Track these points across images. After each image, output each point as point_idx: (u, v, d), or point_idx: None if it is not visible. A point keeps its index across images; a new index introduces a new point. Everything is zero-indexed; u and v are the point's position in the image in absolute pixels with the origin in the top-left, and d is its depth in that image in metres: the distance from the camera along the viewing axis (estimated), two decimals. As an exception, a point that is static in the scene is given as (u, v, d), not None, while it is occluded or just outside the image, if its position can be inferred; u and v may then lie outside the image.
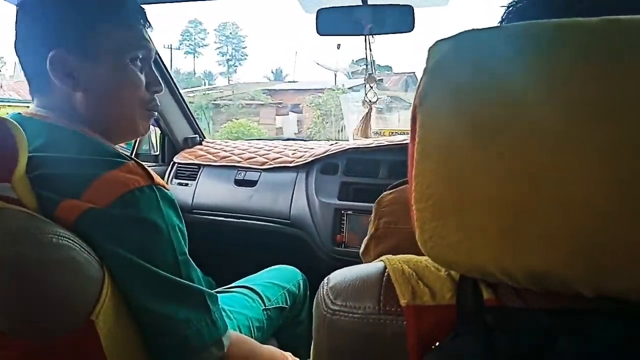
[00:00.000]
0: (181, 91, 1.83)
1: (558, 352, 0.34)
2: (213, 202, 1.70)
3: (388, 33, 1.32)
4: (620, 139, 0.29)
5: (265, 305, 1.13)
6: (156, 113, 0.85)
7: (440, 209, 0.36)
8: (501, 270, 0.34)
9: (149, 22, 0.81)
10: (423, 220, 0.37)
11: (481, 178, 0.33)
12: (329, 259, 1.48)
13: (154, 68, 0.82)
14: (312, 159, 1.62)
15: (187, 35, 37.25)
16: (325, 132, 16.08)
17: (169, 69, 1.76)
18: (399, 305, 0.40)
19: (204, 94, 19.29)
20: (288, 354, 0.93)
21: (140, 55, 0.78)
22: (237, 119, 15.09)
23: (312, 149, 1.71)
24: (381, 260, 0.45)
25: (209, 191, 1.73)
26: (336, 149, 1.60)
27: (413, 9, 1.22)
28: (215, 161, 1.78)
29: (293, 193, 1.60)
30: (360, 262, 0.48)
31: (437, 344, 0.38)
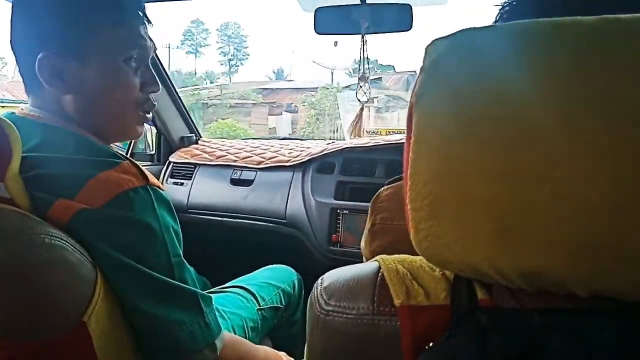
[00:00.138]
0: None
1: (552, 353, 0.33)
2: (209, 201, 1.70)
3: (386, 32, 1.32)
4: (617, 139, 0.29)
5: (259, 305, 1.13)
6: (151, 114, 0.83)
7: (435, 208, 0.36)
8: (496, 270, 0.34)
9: (148, 19, 0.78)
10: (418, 220, 0.37)
11: (476, 177, 0.33)
12: (324, 259, 1.48)
13: (151, 67, 0.80)
14: (309, 158, 1.62)
15: (189, 35, 37.25)
16: (319, 132, 15.84)
17: (166, 68, 1.75)
18: (393, 306, 0.40)
19: (192, 94, 19.01)
20: (282, 354, 0.93)
21: (135, 54, 0.75)
22: (223, 119, 14.68)
23: (308, 148, 1.71)
24: (375, 260, 0.45)
25: (205, 191, 1.72)
26: (332, 148, 1.60)
27: (411, 8, 1.22)
28: (211, 160, 1.77)
29: (289, 192, 1.59)
30: (356, 262, 0.47)
31: (431, 344, 0.37)
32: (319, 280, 0.46)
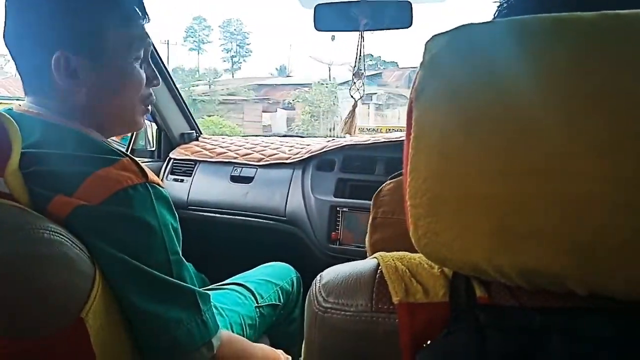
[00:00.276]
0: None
1: (550, 351, 0.33)
2: (209, 198, 1.70)
3: (386, 29, 1.32)
4: (617, 136, 0.29)
5: (258, 303, 1.13)
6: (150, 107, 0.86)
7: (435, 204, 0.35)
8: (494, 268, 0.34)
9: (148, 16, 0.80)
10: (417, 217, 0.37)
11: (476, 174, 0.33)
12: (324, 257, 1.48)
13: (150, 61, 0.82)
14: (309, 155, 1.61)
15: (191, 32, 37.13)
16: (313, 130, 15.44)
17: (165, 64, 1.75)
18: (392, 303, 0.39)
19: (182, 89, 18.51)
20: (280, 352, 0.93)
21: (142, 53, 0.78)
22: (209, 116, 14.21)
23: (308, 145, 1.71)
24: (374, 258, 0.44)
25: (205, 187, 1.72)
26: (333, 146, 1.60)
27: (411, 5, 1.22)
28: (211, 157, 1.77)
29: (289, 190, 1.59)
30: (355, 260, 0.47)
31: (430, 341, 0.37)
32: (318, 277, 0.46)
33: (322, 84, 17.53)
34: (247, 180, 1.67)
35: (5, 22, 0.72)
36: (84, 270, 0.60)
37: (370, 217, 0.66)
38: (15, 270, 0.55)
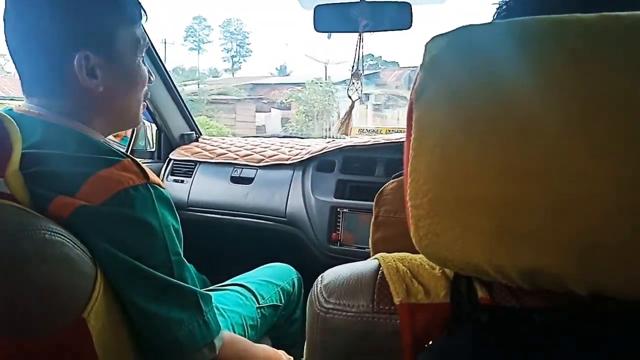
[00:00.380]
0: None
1: (551, 352, 0.33)
2: (209, 199, 1.70)
3: (386, 30, 1.32)
4: (616, 137, 0.29)
5: (259, 304, 1.13)
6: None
7: (435, 205, 0.35)
8: (495, 268, 0.34)
9: (146, 14, 0.83)
10: (418, 218, 0.37)
11: (476, 175, 0.33)
12: (324, 257, 1.48)
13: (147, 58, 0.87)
14: (309, 156, 1.61)
15: (192, 32, 37.09)
16: (308, 131, 15.02)
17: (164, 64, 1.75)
18: (393, 304, 0.40)
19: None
20: (282, 353, 0.93)
21: (145, 50, 0.82)
22: (197, 116, 13.68)
23: (308, 146, 1.71)
24: (375, 258, 0.45)
25: (205, 188, 1.72)
26: (333, 147, 1.60)
27: (411, 6, 1.22)
28: (211, 158, 1.77)
29: (289, 191, 1.59)
30: (356, 260, 0.47)
31: (431, 342, 0.37)
32: (319, 278, 0.46)
33: (317, 83, 17.12)
34: (248, 181, 1.67)
35: (7, 25, 0.72)
36: (85, 271, 0.60)
37: (373, 216, 0.67)
38: (16, 270, 0.56)
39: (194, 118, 1.94)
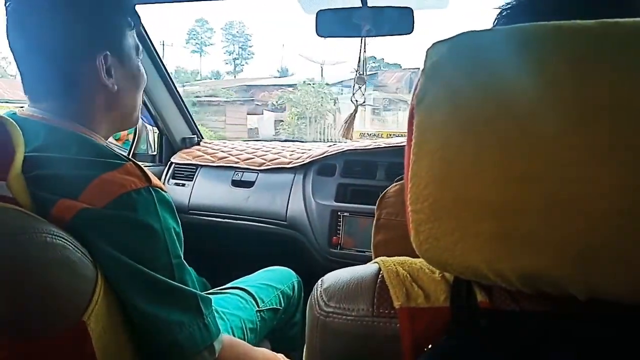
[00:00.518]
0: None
1: (550, 356, 0.33)
2: (210, 202, 1.70)
3: (388, 35, 1.32)
4: (616, 142, 0.29)
5: (259, 307, 1.13)
6: None
7: (436, 210, 0.36)
8: (495, 272, 0.34)
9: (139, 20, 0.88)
10: (418, 222, 0.37)
11: (477, 179, 0.33)
12: (324, 261, 1.48)
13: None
14: (310, 160, 1.62)
15: (194, 34, 37.13)
16: (300, 134, 14.57)
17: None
18: (393, 308, 0.40)
19: None
20: (281, 356, 0.93)
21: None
22: None
23: (309, 150, 1.71)
24: (375, 262, 0.45)
25: (206, 192, 1.72)
26: (333, 151, 1.60)
27: (412, 11, 1.22)
28: (212, 162, 1.77)
29: (290, 194, 1.59)
30: (356, 265, 0.47)
31: (431, 345, 0.37)
32: (319, 282, 0.46)
33: (309, 84, 16.48)
34: (248, 184, 1.67)
35: (12, 32, 0.73)
36: (86, 274, 0.61)
37: (375, 218, 0.67)
38: (17, 273, 0.56)
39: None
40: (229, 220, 1.65)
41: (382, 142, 1.60)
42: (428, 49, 0.37)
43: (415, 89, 0.37)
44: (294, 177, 1.62)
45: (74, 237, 0.61)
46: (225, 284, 1.22)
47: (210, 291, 1.18)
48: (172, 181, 1.80)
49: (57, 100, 0.74)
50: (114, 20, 0.78)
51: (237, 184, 1.69)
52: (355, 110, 1.51)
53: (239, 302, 1.11)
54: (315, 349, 0.44)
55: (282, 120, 15.84)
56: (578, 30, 0.31)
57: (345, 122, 1.55)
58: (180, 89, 1.83)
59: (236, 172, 1.71)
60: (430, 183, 0.36)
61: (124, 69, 0.80)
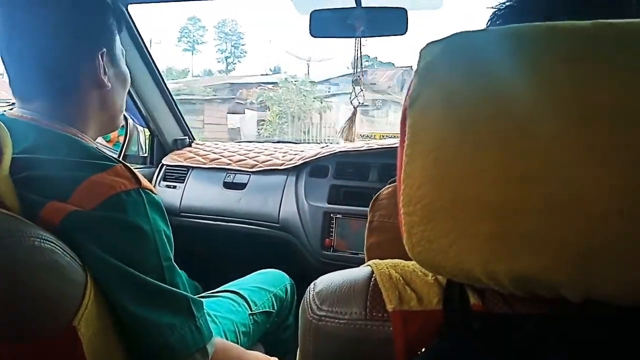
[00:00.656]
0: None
1: (543, 358, 0.33)
2: (201, 205, 1.69)
3: (382, 36, 1.32)
4: (611, 142, 0.29)
5: (251, 310, 1.13)
6: None
7: (429, 212, 0.35)
8: (488, 275, 0.34)
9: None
10: (411, 224, 0.37)
11: (470, 181, 0.33)
12: (317, 263, 1.48)
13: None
14: (302, 161, 1.61)
15: (186, 32, 36.94)
16: (282, 134, 13.97)
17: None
18: (386, 311, 0.39)
19: None
20: (274, 359, 0.92)
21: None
22: None
23: (302, 151, 1.70)
24: (368, 265, 0.44)
25: (198, 194, 1.71)
26: (326, 152, 1.60)
27: (406, 12, 1.22)
28: (204, 163, 1.76)
29: (282, 196, 1.59)
30: (349, 267, 0.47)
31: (424, 349, 0.37)
32: (312, 285, 0.45)
33: (290, 81, 15.77)
34: (241, 186, 1.66)
35: (1, 32, 0.73)
36: (75, 278, 0.60)
37: (368, 221, 0.67)
38: (5, 277, 0.55)
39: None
40: (221, 223, 1.65)
41: (375, 144, 1.60)
42: (421, 50, 0.37)
43: (409, 90, 0.37)
44: (287, 178, 1.62)
45: (63, 240, 0.60)
46: (217, 287, 1.22)
47: (203, 294, 1.18)
48: (164, 183, 1.79)
49: (47, 101, 0.74)
50: (107, 20, 0.80)
51: (229, 185, 1.68)
52: (354, 113, 1.51)
53: (232, 306, 1.10)
54: (308, 353, 0.43)
55: (264, 120, 15.14)
56: (572, 31, 0.31)
57: (345, 125, 1.55)
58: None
59: (228, 174, 1.70)
60: (423, 184, 0.35)
61: (114, 68, 0.82)
